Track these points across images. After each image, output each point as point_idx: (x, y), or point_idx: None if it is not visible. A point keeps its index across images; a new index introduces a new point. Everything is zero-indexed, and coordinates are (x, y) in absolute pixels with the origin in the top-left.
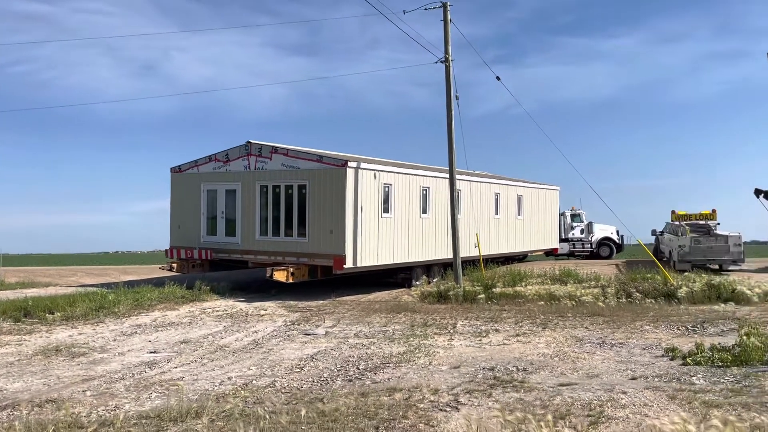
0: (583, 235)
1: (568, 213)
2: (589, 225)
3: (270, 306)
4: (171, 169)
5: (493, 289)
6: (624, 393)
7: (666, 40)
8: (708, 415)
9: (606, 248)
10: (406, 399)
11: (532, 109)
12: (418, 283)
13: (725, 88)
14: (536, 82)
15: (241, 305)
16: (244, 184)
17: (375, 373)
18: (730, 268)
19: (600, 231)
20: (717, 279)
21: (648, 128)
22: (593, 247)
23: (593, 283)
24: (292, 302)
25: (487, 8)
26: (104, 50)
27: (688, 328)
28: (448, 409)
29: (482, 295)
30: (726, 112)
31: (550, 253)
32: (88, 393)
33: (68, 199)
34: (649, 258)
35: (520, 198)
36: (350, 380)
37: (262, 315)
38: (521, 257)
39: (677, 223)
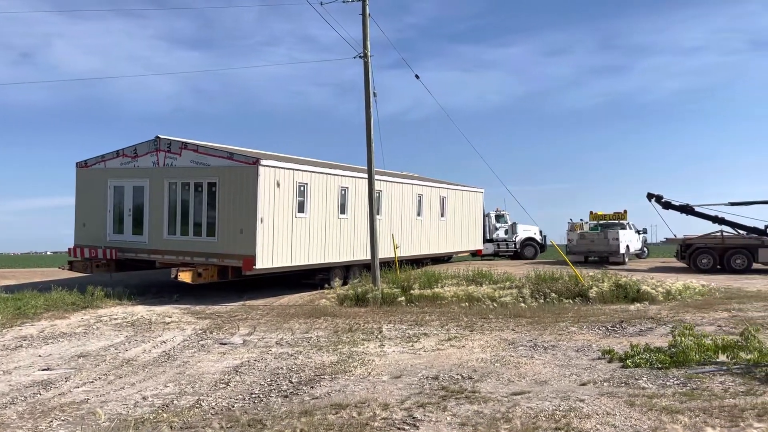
0: (508, 236)
1: (492, 214)
2: (513, 226)
3: (175, 312)
4: (77, 163)
5: (411, 291)
6: (581, 401)
7: (553, 52)
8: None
9: (530, 248)
10: (356, 417)
11: (429, 114)
12: (335, 284)
13: (606, 100)
14: (432, 88)
15: (141, 312)
16: (152, 180)
17: (312, 387)
18: (612, 260)
19: (523, 231)
20: (623, 279)
21: (542, 135)
22: (517, 247)
23: (508, 284)
24: (198, 308)
25: (386, 12)
26: None
27: (608, 328)
28: (406, 428)
29: (402, 298)
30: (611, 122)
31: (476, 254)
32: None
33: None
34: (569, 258)
35: (443, 199)
36: (286, 396)
37: (168, 323)
38: (446, 258)
39: (580, 221)
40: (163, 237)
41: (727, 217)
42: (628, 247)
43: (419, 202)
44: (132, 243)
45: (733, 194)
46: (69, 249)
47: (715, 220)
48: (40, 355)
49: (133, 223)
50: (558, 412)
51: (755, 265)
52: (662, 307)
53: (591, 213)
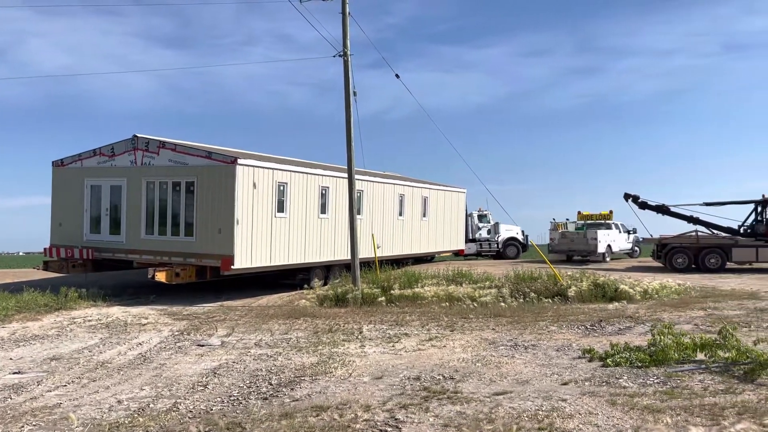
0: (490, 236)
1: (475, 214)
2: (496, 225)
3: (151, 313)
4: (53, 162)
5: (392, 292)
6: (563, 401)
7: (532, 53)
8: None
9: (513, 248)
10: (338, 419)
11: (408, 114)
12: (315, 285)
13: (585, 101)
14: (413, 88)
15: (117, 313)
16: (130, 179)
17: (292, 389)
18: (591, 258)
19: (506, 231)
20: (601, 279)
21: (523, 135)
22: (499, 247)
23: (487, 283)
24: (175, 309)
25: (365, 12)
26: None
27: (587, 327)
28: (388, 429)
29: (382, 298)
30: (591, 122)
31: (458, 254)
32: None
33: None
34: (550, 258)
35: (425, 199)
36: (266, 398)
37: (144, 324)
38: (429, 258)
39: (566, 220)
40: (141, 237)
41: (702, 217)
42: (610, 246)
43: (401, 201)
44: (109, 243)
45: (708, 195)
46: (45, 249)
47: (690, 220)
48: (11, 358)
49: (111, 223)
50: (540, 412)
51: (729, 264)
52: (640, 306)
53: (579, 213)
